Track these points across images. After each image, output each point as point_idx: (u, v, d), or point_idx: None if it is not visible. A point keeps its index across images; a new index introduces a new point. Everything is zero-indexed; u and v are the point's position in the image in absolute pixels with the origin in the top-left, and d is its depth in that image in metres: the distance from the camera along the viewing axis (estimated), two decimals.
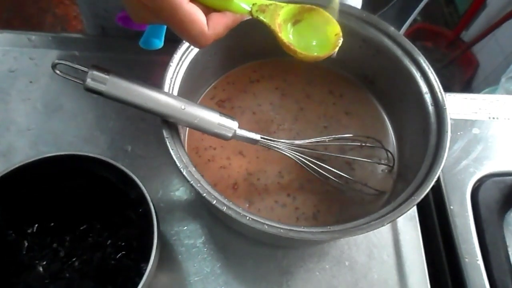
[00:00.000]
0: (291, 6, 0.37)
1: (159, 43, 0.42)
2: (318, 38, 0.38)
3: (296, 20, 0.38)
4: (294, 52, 0.37)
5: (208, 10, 0.34)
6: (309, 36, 0.38)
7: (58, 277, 0.43)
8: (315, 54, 0.37)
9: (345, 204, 0.48)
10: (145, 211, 0.40)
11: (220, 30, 0.34)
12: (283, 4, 0.36)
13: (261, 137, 0.44)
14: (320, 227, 0.38)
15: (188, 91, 0.47)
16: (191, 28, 0.32)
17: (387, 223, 0.38)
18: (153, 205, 0.40)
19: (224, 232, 0.50)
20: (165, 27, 0.43)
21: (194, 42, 0.34)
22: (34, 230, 0.44)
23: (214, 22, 0.34)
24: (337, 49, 0.37)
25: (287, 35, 0.37)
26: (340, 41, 0.37)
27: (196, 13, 0.32)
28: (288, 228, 0.37)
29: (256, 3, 0.35)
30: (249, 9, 0.35)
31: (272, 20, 0.36)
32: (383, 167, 0.51)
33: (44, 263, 0.43)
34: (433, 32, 1.65)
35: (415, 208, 0.53)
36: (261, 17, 0.36)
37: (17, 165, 0.40)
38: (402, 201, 0.40)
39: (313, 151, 0.48)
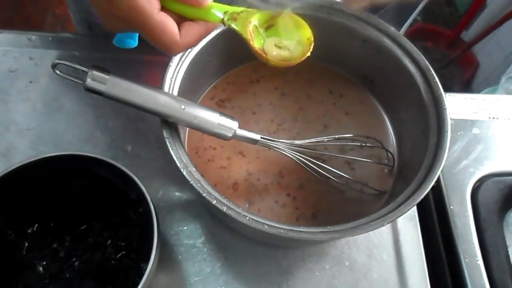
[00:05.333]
0: (262, 12, 0.37)
1: (133, 43, 0.42)
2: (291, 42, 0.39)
3: (269, 25, 0.38)
4: (266, 59, 0.37)
5: (181, 18, 0.35)
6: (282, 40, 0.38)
7: (58, 277, 0.43)
8: (287, 60, 0.38)
9: (345, 204, 0.48)
10: (145, 211, 0.40)
11: (193, 39, 0.35)
12: (254, 11, 0.37)
13: (261, 137, 0.44)
14: (320, 227, 0.38)
15: (188, 91, 0.47)
16: (162, 37, 0.33)
17: (387, 223, 0.38)
18: (153, 205, 0.40)
19: (224, 232, 0.50)
20: None
21: (165, 50, 0.35)
22: (34, 230, 0.44)
23: (187, 30, 0.34)
24: (309, 53, 0.37)
25: (259, 42, 0.38)
26: (312, 45, 0.37)
27: (167, 23, 0.33)
28: (288, 228, 0.37)
29: (228, 11, 0.36)
30: (222, 16, 0.36)
31: (244, 28, 0.36)
32: (383, 167, 0.51)
33: (44, 263, 0.43)
34: (433, 32, 1.65)
35: (415, 208, 0.53)
36: (233, 25, 0.36)
37: (17, 165, 0.40)
38: (402, 201, 0.40)
39: (313, 151, 0.48)
